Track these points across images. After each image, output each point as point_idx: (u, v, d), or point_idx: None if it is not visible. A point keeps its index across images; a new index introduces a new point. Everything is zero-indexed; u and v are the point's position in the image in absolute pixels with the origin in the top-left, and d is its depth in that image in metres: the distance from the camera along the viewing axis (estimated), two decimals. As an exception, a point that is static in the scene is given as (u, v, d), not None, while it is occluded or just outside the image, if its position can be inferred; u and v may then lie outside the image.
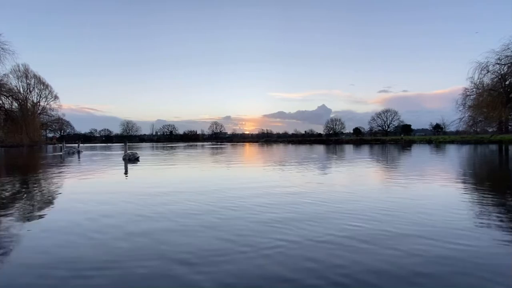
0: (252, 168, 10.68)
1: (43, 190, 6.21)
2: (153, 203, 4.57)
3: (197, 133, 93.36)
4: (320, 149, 26.30)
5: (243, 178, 7.89)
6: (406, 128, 72.76)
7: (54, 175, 8.79)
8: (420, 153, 18.47)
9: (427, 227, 3.24)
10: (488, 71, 30.02)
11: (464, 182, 6.61)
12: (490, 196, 5.07)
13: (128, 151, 14.23)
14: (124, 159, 13.78)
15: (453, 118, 35.10)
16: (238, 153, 20.71)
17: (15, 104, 40.02)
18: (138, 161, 13.25)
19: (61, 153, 21.51)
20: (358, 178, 7.46)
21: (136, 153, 14.61)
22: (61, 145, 24.87)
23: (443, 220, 3.52)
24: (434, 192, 5.45)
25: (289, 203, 4.49)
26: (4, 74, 37.72)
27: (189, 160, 13.91)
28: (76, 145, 24.78)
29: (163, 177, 8.27)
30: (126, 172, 9.31)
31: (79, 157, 17.46)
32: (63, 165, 12.05)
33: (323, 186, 6.19)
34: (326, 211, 3.99)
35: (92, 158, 16.87)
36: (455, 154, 16.63)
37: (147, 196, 5.17)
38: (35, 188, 6.38)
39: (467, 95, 32.91)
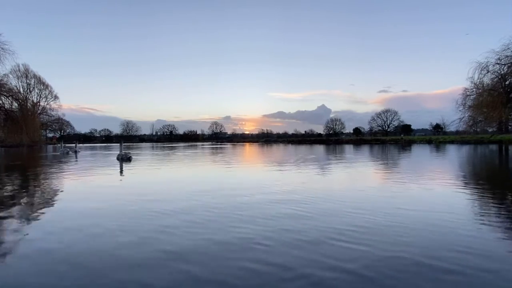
0: (247, 169, 10.50)
1: (11, 193, 5.72)
2: (118, 216, 3.83)
3: (197, 133, 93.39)
4: (319, 149, 26.24)
5: (232, 181, 7.16)
6: (406, 128, 72.65)
7: (33, 176, 8.73)
8: (420, 153, 18.40)
9: (438, 244, 2.70)
10: (488, 71, 29.93)
11: (468, 185, 6.33)
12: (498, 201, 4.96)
13: (122, 151, 14.47)
14: (117, 159, 14.08)
15: (453, 118, 34.96)
16: (235, 154, 20.66)
17: (15, 104, 40.03)
18: (130, 161, 13.45)
19: (57, 153, 21.78)
20: (358, 182, 6.89)
21: (129, 153, 14.94)
22: (59, 145, 25.02)
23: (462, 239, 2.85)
24: (441, 199, 4.71)
25: (274, 215, 3.76)
26: (4, 74, 37.75)
27: (182, 161, 13.81)
28: (74, 145, 24.83)
29: (146, 180, 7.65)
30: (121, 172, 9.33)
31: (76, 157, 17.59)
32: (53, 165, 12.05)
33: (319, 191, 5.81)
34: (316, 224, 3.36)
35: (87, 158, 16.92)
36: (455, 155, 16.55)
37: (114, 206, 4.42)
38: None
39: (467, 95, 32.79)
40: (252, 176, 8.25)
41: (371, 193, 5.21)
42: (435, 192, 5.33)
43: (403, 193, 5.28)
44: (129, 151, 22.01)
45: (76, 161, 14.56)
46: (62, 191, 5.98)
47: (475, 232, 3.08)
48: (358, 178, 7.45)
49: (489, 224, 3.35)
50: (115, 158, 14.80)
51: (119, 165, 11.36)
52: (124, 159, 13.72)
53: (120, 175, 8.63)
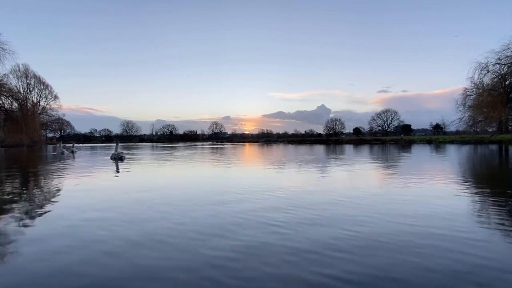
0: (237, 171, 10.03)
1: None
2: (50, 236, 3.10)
3: (197, 133, 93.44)
4: (319, 149, 26.22)
5: (215, 184, 6.59)
6: (406, 128, 72.68)
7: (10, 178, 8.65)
8: (420, 153, 18.38)
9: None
10: (488, 71, 30.01)
11: (475, 190, 5.86)
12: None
13: (116, 151, 14.89)
14: (111, 158, 14.56)
15: (453, 118, 35.09)
16: (231, 154, 20.63)
17: (15, 104, 40.19)
18: (123, 160, 13.80)
19: (54, 153, 22.01)
20: (354, 187, 6.21)
21: (122, 152, 15.39)
22: (58, 145, 25.18)
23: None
24: (450, 211, 3.85)
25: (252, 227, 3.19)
26: (4, 74, 37.90)
27: (175, 162, 13.66)
28: (71, 145, 24.94)
29: (124, 182, 7.13)
30: (117, 170, 9.48)
31: (73, 157, 17.77)
32: (41, 166, 12.10)
33: (309, 196, 5.34)
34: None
35: (81, 158, 16.96)
36: (456, 155, 16.54)
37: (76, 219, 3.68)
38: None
39: (467, 95, 32.87)
40: (240, 178, 7.75)
41: (367, 202, 4.43)
42: (440, 201, 4.48)
43: (403, 201, 4.46)
44: (127, 151, 22.07)
45: (72, 161, 14.61)
46: (18, 199, 5.04)
47: (498, 257, 2.38)
48: (355, 182, 6.90)
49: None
50: (109, 157, 15.11)
51: (110, 165, 11.37)
52: (117, 158, 14.11)
53: (116, 173, 8.67)
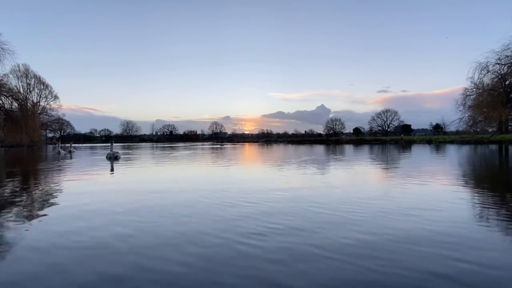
0: (234, 173, 9.74)
1: None
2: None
3: (197, 133, 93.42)
4: (319, 149, 26.19)
5: (197, 186, 6.29)
6: (406, 128, 72.59)
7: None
8: (421, 153, 18.34)
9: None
10: (488, 71, 29.98)
11: (475, 188, 5.77)
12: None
13: (111, 151, 15.22)
14: (107, 158, 14.99)
15: (453, 118, 35.07)
16: (229, 154, 20.58)
17: (15, 104, 40.10)
18: (118, 159, 14.14)
19: (52, 153, 22.27)
20: (349, 191, 5.75)
21: (117, 152, 15.92)
22: (56, 145, 25.33)
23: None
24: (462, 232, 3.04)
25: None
26: (4, 74, 37.79)
27: (171, 163, 13.53)
28: (69, 145, 24.96)
29: (112, 188, 6.27)
30: (112, 170, 9.66)
31: (71, 157, 17.86)
32: (36, 166, 12.08)
33: (295, 204, 4.94)
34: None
35: (77, 158, 17.00)
36: (456, 155, 16.49)
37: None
38: None
39: (467, 95, 32.84)
40: (227, 181, 7.35)
41: (364, 213, 3.77)
42: (442, 204, 4.01)
43: (408, 210, 3.81)
44: (126, 151, 22.06)
45: (68, 161, 14.57)
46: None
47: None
48: (351, 186, 6.38)
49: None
50: (105, 157, 15.52)
51: (104, 166, 11.38)
52: (112, 158, 14.45)
53: (111, 173, 8.66)
